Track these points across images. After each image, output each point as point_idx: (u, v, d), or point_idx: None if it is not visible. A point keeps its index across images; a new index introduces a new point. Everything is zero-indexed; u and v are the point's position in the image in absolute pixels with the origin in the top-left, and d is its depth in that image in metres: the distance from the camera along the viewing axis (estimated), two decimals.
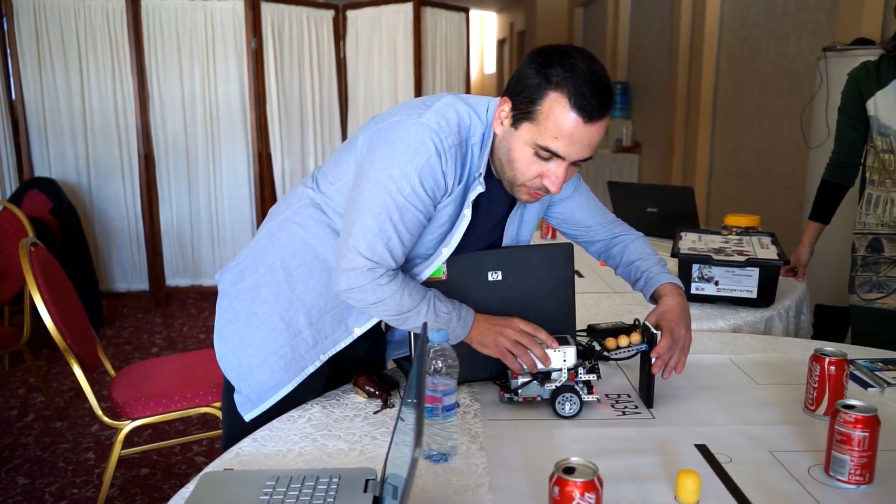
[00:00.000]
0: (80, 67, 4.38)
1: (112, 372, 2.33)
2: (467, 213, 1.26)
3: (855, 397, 1.11)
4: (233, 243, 4.76)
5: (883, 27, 3.74)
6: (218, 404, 2.24)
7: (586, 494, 0.84)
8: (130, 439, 2.77)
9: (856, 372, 1.44)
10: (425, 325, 0.97)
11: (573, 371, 1.27)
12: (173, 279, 4.74)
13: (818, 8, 4.48)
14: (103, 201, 4.56)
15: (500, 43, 15.67)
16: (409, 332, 1.34)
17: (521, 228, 1.43)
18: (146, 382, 2.23)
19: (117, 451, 2.14)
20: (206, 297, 4.86)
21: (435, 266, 1.30)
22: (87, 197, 4.54)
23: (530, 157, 1.20)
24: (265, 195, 4.67)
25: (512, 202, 1.39)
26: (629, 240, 1.54)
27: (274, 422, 1.26)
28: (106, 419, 2.12)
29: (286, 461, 1.12)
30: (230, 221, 4.74)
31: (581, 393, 1.25)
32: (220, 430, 2.39)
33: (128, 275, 4.69)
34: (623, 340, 1.54)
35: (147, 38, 4.42)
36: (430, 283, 1.32)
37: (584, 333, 1.62)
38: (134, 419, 2.12)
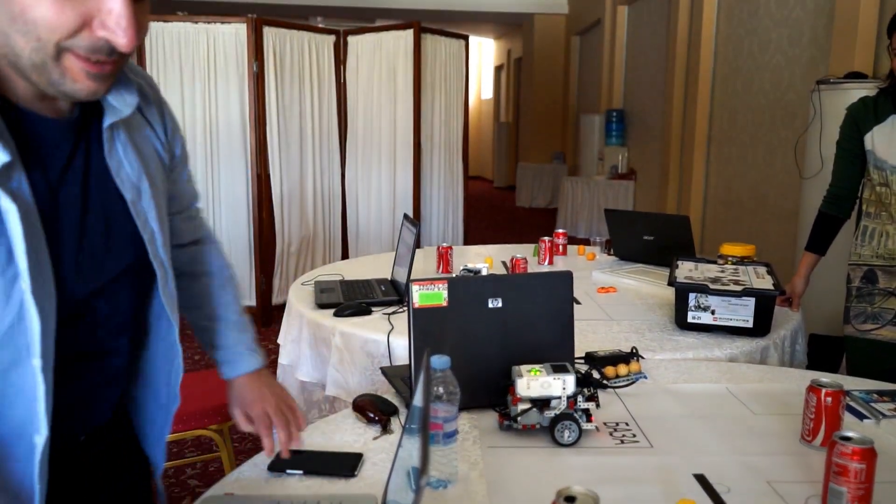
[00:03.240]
0: None
1: None
2: (7, 205, 0.74)
3: (851, 429, 1.12)
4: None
5: (875, 61, 3.81)
6: (214, 427, 2.23)
7: None
8: None
9: (851, 403, 1.45)
10: (428, 350, 0.98)
11: (572, 399, 1.27)
12: None
13: (811, 42, 4.56)
14: None
15: (498, 69, 15.84)
16: (410, 349, 1.34)
17: (148, 205, 0.92)
18: None
19: None
20: None
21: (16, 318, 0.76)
22: None
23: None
24: (263, 217, 4.68)
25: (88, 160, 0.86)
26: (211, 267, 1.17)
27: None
28: None
29: (286, 486, 1.12)
30: (227, 243, 4.74)
31: (580, 421, 1.26)
32: (215, 453, 2.38)
33: None
34: (622, 369, 1.56)
35: (149, 60, 4.46)
36: (429, 310, 1.33)
37: (583, 361, 1.63)
38: None
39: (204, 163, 4.64)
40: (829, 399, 1.25)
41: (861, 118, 2.04)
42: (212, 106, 4.60)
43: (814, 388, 1.26)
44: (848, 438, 1.05)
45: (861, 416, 1.40)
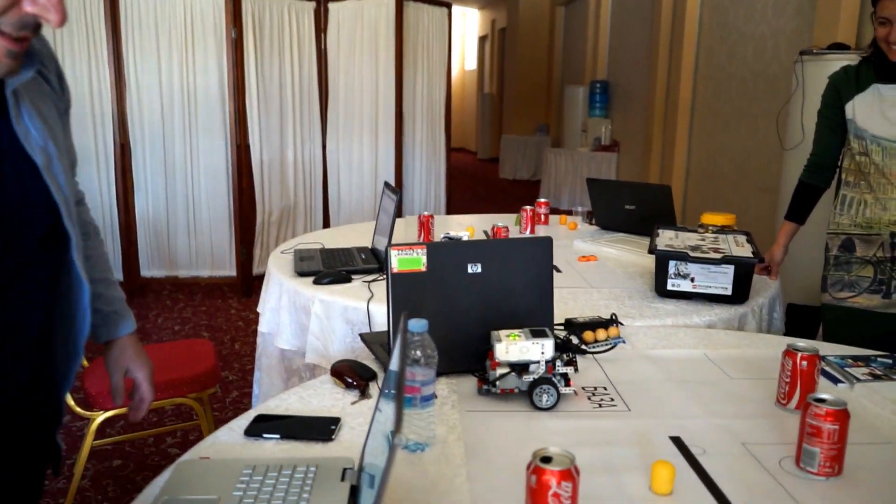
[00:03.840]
0: (56, 52, 4.30)
1: (85, 362, 2.30)
2: None
3: (825, 392, 1.14)
4: (210, 234, 4.72)
5: (858, 32, 3.81)
6: (193, 395, 2.23)
7: (563, 483, 0.85)
8: (102, 430, 2.73)
9: (826, 368, 1.47)
10: (405, 314, 0.97)
11: (551, 363, 1.27)
12: (148, 270, 4.68)
13: (796, 13, 4.55)
14: None
15: (482, 39, 15.69)
16: (388, 314, 1.33)
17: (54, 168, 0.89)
18: None
19: (89, 441, 2.11)
20: (181, 289, 4.81)
21: None
22: None
23: None
24: (243, 186, 4.63)
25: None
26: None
27: (251, 411, 1.25)
28: (78, 409, 2.09)
29: (263, 450, 1.11)
30: (207, 212, 4.70)
31: (558, 385, 1.26)
32: (195, 421, 2.38)
33: None
34: (601, 334, 1.56)
35: (124, 25, 4.36)
36: (408, 275, 1.32)
37: (562, 327, 1.64)
38: (106, 410, 2.09)
39: (182, 131, 4.57)
40: (805, 363, 1.26)
41: (843, 87, 2.04)
42: (189, 74, 4.52)
43: (790, 352, 1.27)
44: (822, 400, 1.06)
45: (836, 381, 1.42)
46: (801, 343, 1.31)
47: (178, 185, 4.63)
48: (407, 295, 1.33)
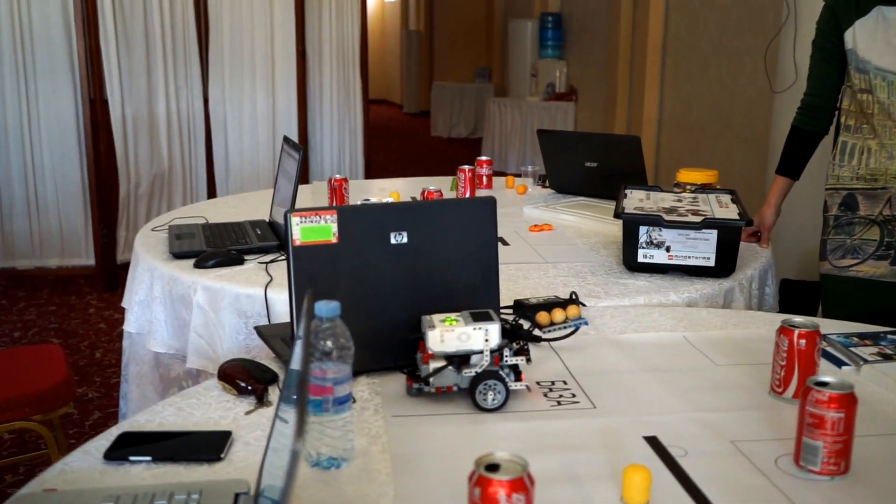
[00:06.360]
0: None
1: None
2: None
3: (828, 375, 1.17)
4: (58, 212, 4.56)
5: None
6: (39, 417, 2.14)
7: (514, 496, 0.84)
8: None
9: (828, 348, 1.52)
10: (309, 293, 0.95)
11: (497, 354, 1.27)
12: None
13: None
14: None
15: None
16: (291, 299, 1.31)
17: None
18: None
19: None
20: (21, 284, 4.63)
21: None
22: None
23: None
24: (100, 149, 4.48)
25: None
26: None
27: (112, 429, 1.20)
28: None
29: (129, 476, 1.07)
30: (53, 184, 4.55)
31: (507, 380, 1.26)
32: (44, 451, 2.29)
33: None
34: (558, 315, 1.57)
35: None
36: (315, 248, 1.30)
37: (510, 310, 1.64)
38: None
39: (14, 77, 4.41)
40: (803, 342, 1.29)
41: (841, 11, 2.10)
42: (22, 3, 4.35)
43: (785, 329, 1.31)
44: (824, 384, 1.09)
45: (839, 363, 1.47)
46: (799, 319, 1.34)
47: (11, 149, 4.46)
48: (314, 273, 1.31)
